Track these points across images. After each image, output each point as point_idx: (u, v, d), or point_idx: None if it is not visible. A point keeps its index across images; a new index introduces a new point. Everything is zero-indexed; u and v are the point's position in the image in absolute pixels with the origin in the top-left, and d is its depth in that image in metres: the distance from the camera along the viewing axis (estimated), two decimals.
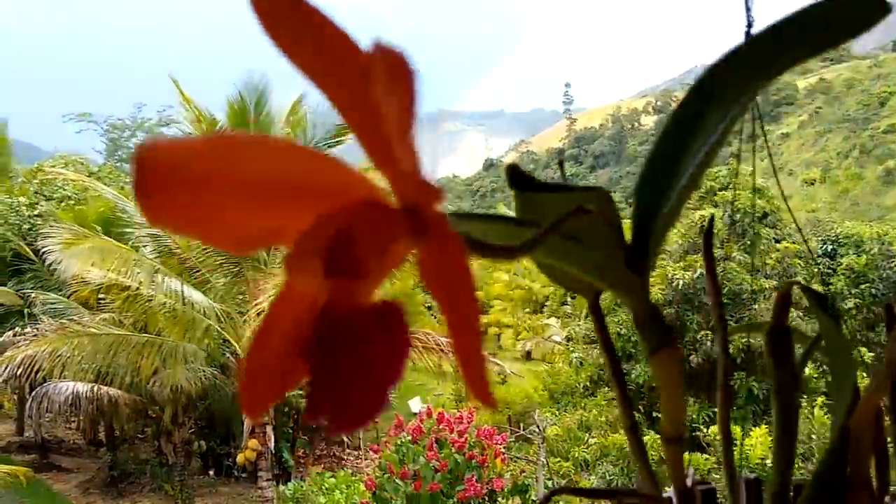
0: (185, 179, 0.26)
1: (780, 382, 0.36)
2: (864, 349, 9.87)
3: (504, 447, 6.97)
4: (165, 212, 0.27)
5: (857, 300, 11.73)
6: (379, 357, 0.25)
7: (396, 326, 0.25)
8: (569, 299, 22.23)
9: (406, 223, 0.27)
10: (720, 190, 15.87)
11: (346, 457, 12.23)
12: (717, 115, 0.39)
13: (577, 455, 11.16)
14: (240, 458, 9.52)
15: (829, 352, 0.39)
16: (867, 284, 11.92)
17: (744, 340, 12.47)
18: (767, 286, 13.55)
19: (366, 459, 10.90)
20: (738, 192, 15.25)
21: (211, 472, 12.13)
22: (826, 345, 0.39)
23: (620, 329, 13.50)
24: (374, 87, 0.25)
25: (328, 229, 0.27)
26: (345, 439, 12.24)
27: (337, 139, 9.27)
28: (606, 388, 13.48)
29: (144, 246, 9.39)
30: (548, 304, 24.82)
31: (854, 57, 74.65)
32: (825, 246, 14.15)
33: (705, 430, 9.08)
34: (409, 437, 6.12)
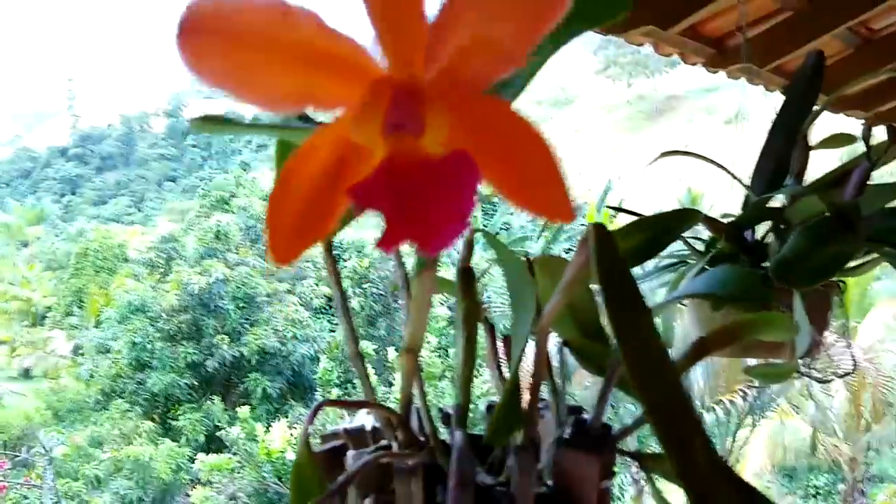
0: (230, 30, 0.29)
1: (466, 312, 0.49)
2: (368, 342, 11.01)
3: (1, 475, 6.42)
4: (203, 57, 0.29)
5: (361, 299, 13.03)
6: (457, 189, 0.31)
7: (468, 167, 0.31)
8: (76, 309, 20.63)
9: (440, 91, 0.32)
10: (231, 197, 16.22)
11: None
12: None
13: (87, 473, 10.46)
14: None
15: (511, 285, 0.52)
16: (369, 284, 13.32)
17: (259, 343, 12.99)
18: (281, 289, 14.27)
19: None
20: (250, 199, 15.80)
21: None
22: (509, 278, 0.52)
23: (135, 337, 13.02)
24: None
25: (384, 94, 0.31)
26: None
27: None
28: (120, 400, 12.84)
29: None
30: (50, 314, 22.71)
31: None
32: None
33: (229, 429, 9.20)
34: None
